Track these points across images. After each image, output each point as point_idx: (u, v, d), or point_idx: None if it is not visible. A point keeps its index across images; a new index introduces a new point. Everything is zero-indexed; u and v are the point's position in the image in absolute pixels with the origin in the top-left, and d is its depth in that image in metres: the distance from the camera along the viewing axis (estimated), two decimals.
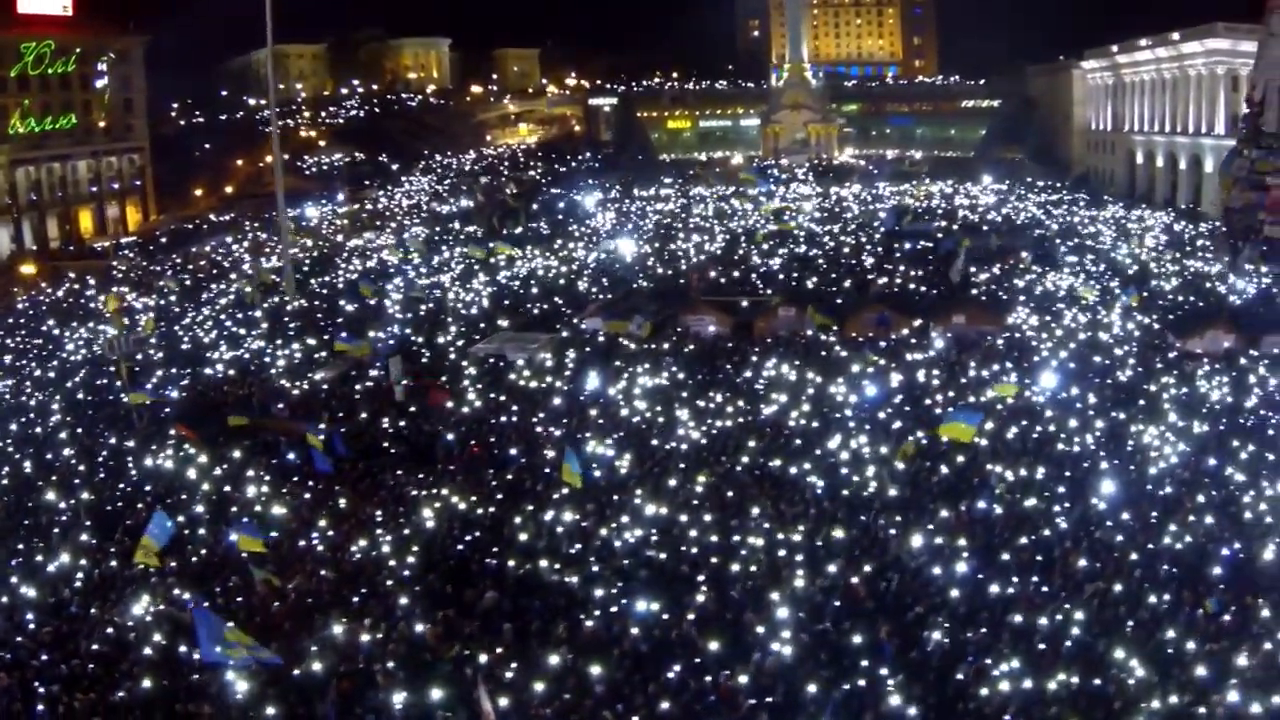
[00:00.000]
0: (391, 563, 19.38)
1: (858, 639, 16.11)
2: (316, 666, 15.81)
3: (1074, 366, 31.33)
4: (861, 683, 15.11)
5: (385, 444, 26.88)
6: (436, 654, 16.27)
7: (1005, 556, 19.11)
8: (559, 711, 14.64)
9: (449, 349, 36.35)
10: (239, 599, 18.68)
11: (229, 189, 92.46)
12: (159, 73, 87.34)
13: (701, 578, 18.39)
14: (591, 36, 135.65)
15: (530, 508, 21.54)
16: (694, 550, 19.50)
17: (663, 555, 19.29)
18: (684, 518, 20.78)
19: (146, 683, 15.73)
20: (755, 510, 21.02)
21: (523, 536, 20.27)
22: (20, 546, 21.57)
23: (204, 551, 20.76)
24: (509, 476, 23.77)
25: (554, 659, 15.64)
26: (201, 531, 21.62)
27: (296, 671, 15.82)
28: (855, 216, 67.84)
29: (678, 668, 15.50)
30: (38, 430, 30.32)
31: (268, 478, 24.33)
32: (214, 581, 19.42)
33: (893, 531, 20.13)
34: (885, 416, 26.87)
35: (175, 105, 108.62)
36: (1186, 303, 40.70)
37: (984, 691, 14.93)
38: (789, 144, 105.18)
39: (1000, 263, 48.28)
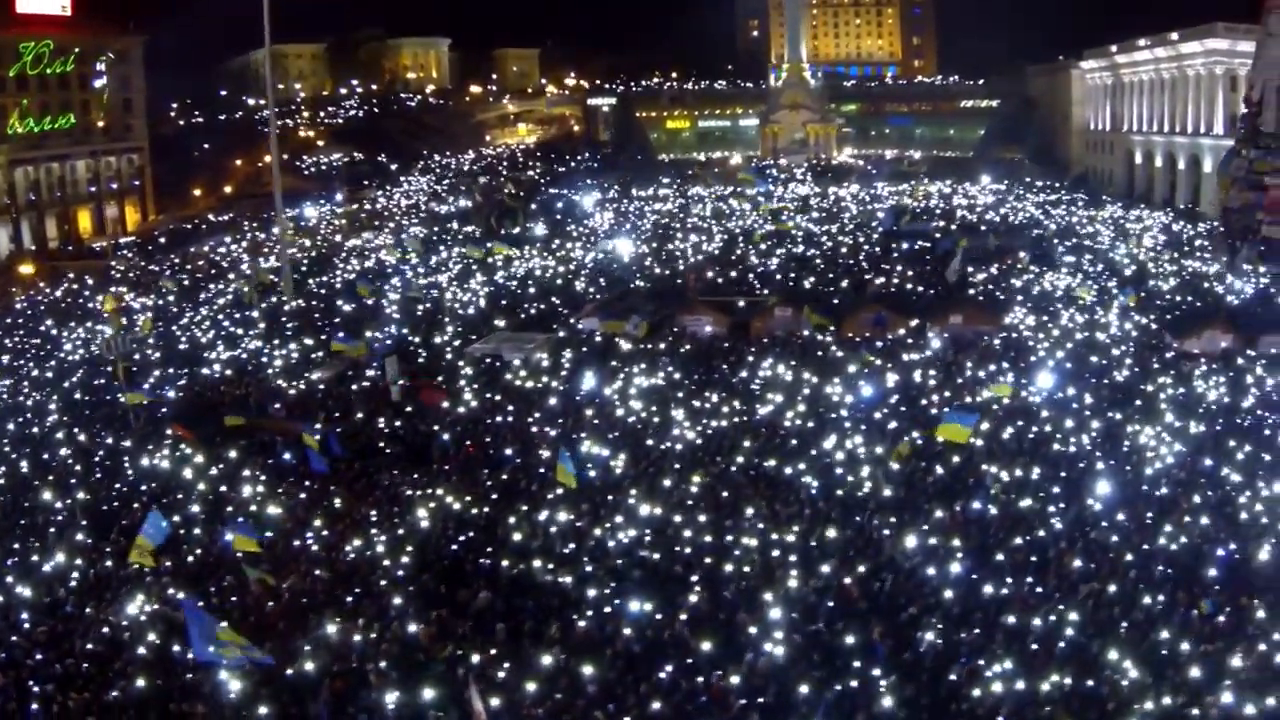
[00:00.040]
0: (386, 563, 19.37)
1: (850, 640, 16.09)
2: (309, 666, 15.81)
3: (1070, 367, 31.30)
4: (854, 684, 15.07)
5: (381, 444, 26.87)
6: (429, 654, 16.27)
7: (1000, 557, 19.06)
8: (551, 712, 14.64)
9: (446, 349, 36.34)
10: (233, 598, 18.68)
11: (228, 189, 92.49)
12: (158, 73, 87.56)
13: (695, 578, 18.37)
14: (591, 36, 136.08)
15: (525, 508, 21.53)
16: (688, 550, 19.48)
17: (656, 555, 19.27)
18: (678, 518, 20.76)
19: (140, 682, 15.73)
20: (750, 510, 21.00)
21: (517, 537, 20.27)
22: (16, 546, 21.54)
23: (199, 551, 20.74)
24: (504, 477, 23.77)
25: (546, 659, 15.63)
26: (197, 531, 21.60)
27: (290, 671, 15.83)
28: (853, 217, 67.85)
29: (670, 668, 15.49)
30: (34, 430, 30.30)
31: (263, 477, 24.33)
32: (209, 581, 19.42)
33: (887, 532, 20.10)
34: (881, 417, 26.85)
35: (174, 105, 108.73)
36: (1184, 303, 40.69)
37: (976, 692, 14.89)
38: (788, 144, 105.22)
39: (998, 263, 48.29)
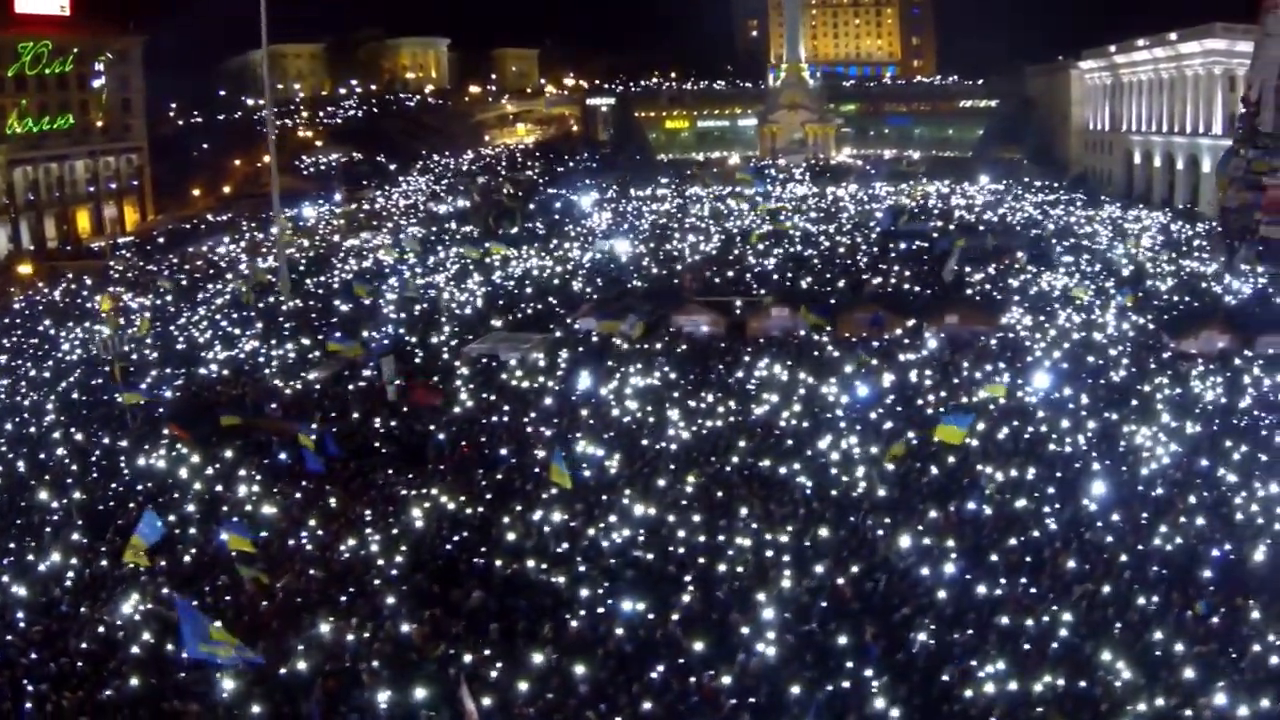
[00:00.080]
0: (380, 562, 19.39)
1: (843, 640, 16.07)
2: (302, 665, 15.82)
3: (1067, 367, 31.30)
4: (846, 684, 15.06)
5: (377, 444, 26.87)
6: (422, 654, 16.28)
7: (994, 558, 19.05)
8: (542, 711, 14.64)
9: (442, 349, 36.33)
10: (227, 598, 18.70)
11: (227, 189, 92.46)
12: (157, 72, 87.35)
13: (688, 578, 18.37)
14: (591, 36, 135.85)
15: (519, 508, 21.53)
16: (681, 550, 19.49)
17: (650, 555, 19.28)
18: (672, 518, 20.75)
19: (134, 681, 15.76)
20: (744, 511, 20.99)
21: (511, 536, 20.27)
22: (12, 545, 21.55)
23: (194, 551, 20.75)
24: (499, 476, 23.76)
25: (538, 658, 15.63)
26: (192, 531, 21.62)
27: (283, 670, 15.83)
28: (851, 217, 67.85)
29: (662, 668, 15.49)
30: (32, 430, 30.30)
31: (259, 477, 24.33)
32: (203, 581, 19.44)
33: (880, 532, 20.09)
34: (877, 417, 26.84)
35: (173, 105, 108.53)
36: (1181, 303, 40.67)
37: (969, 693, 14.90)
38: (786, 144, 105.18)
39: (995, 263, 48.27)
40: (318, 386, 32.80)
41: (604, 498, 21.99)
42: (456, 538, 20.56)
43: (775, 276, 46.75)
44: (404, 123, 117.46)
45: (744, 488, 22.42)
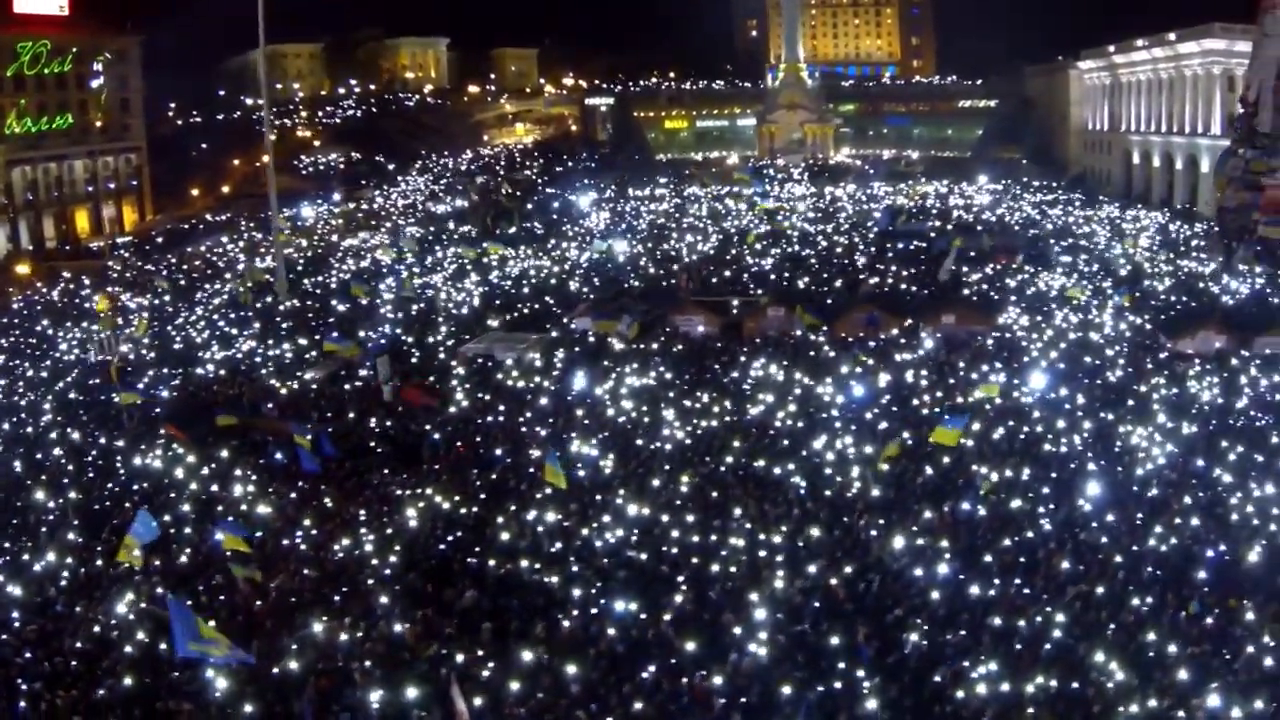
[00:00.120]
0: (373, 562, 19.39)
1: (835, 641, 16.06)
2: (295, 664, 15.83)
3: (1063, 367, 31.28)
4: (837, 685, 15.05)
5: (372, 444, 26.87)
6: (414, 653, 16.28)
7: (988, 558, 19.04)
8: (533, 711, 14.64)
9: (439, 349, 36.33)
10: (221, 597, 18.70)
11: (226, 189, 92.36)
12: (156, 72, 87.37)
13: (681, 578, 18.36)
14: (590, 36, 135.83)
15: (513, 507, 21.52)
16: (675, 551, 19.48)
17: (643, 556, 19.27)
18: (666, 518, 20.74)
19: (128, 680, 15.79)
20: (738, 511, 20.98)
21: (504, 536, 20.27)
22: (8, 545, 21.57)
23: (189, 550, 20.76)
24: (493, 476, 23.76)
25: (528, 657, 15.63)
26: (187, 531, 21.62)
27: (275, 669, 15.84)
28: (849, 216, 67.84)
29: (653, 668, 15.48)
30: (29, 430, 30.31)
31: (255, 477, 24.34)
32: (198, 580, 19.44)
33: (874, 533, 20.08)
34: (872, 417, 26.83)
35: (172, 105, 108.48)
36: (1179, 303, 40.64)
37: (961, 694, 14.88)
38: (785, 144, 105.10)
39: (992, 263, 48.25)
40: (314, 386, 32.81)
41: (598, 498, 21.99)
42: (450, 537, 20.57)
43: (772, 277, 46.72)
44: (403, 122, 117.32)
45: (738, 488, 22.42)
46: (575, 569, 18.74)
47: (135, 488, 24.30)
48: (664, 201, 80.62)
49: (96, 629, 17.67)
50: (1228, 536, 19.76)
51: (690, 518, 20.70)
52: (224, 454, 25.85)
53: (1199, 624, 16.91)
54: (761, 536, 19.73)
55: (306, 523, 21.44)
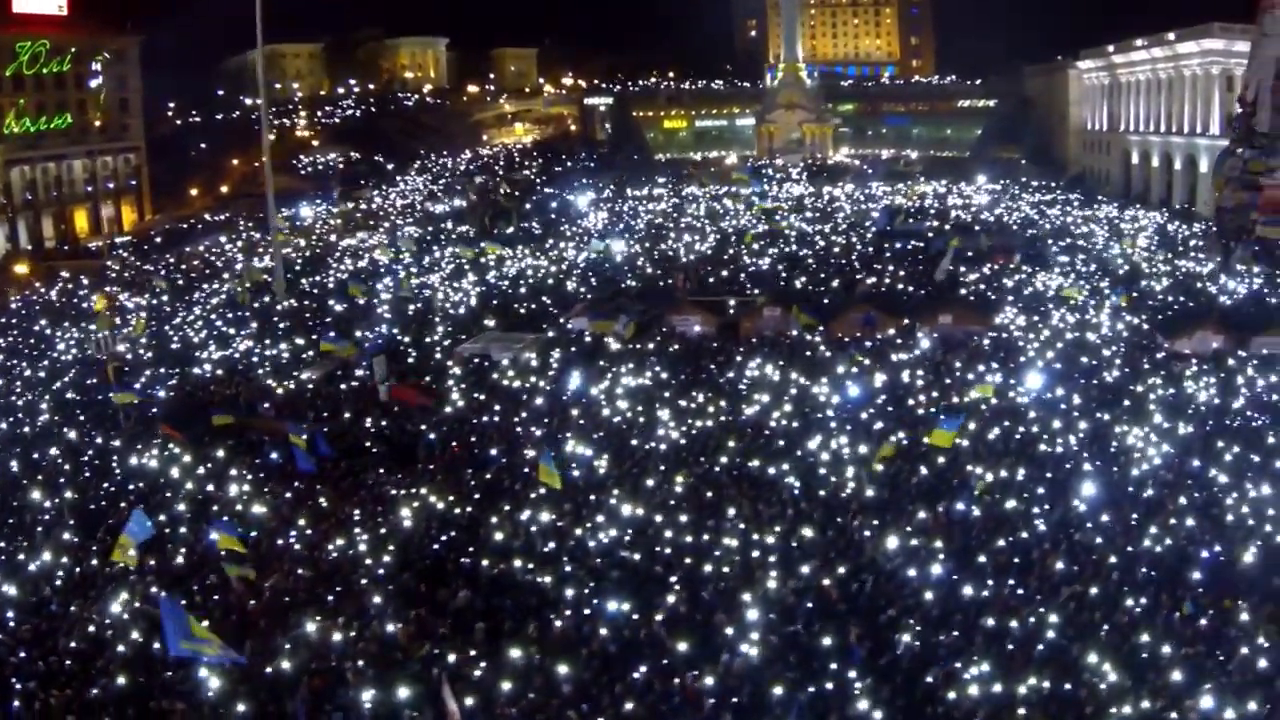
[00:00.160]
0: (368, 562, 19.40)
1: (828, 641, 16.05)
2: (287, 664, 15.84)
3: (1060, 367, 31.25)
4: (829, 685, 15.04)
5: (368, 444, 26.87)
6: (407, 653, 16.29)
7: (982, 559, 19.02)
8: (525, 711, 14.64)
9: (435, 349, 36.33)
10: (216, 597, 18.71)
11: (225, 188, 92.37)
12: (155, 72, 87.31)
13: (674, 578, 18.35)
14: (589, 36, 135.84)
15: (507, 507, 21.52)
16: (668, 551, 19.47)
17: (637, 556, 19.26)
18: (660, 518, 20.74)
19: (121, 680, 15.82)
20: (731, 511, 20.96)
21: (498, 536, 20.27)
22: (3, 545, 21.58)
23: (184, 550, 20.76)
24: (488, 476, 23.75)
25: (519, 655, 15.63)
26: (182, 530, 21.63)
27: (268, 669, 15.85)
28: (848, 216, 67.83)
29: (645, 668, 15.48)
30: (25, 430, 30.31)
31: (250, 477, 24.35)
32: (192, 580, 19.46)
33: (868, 533, 20.06)
34: (867, 417, 26.81)
35: (171, 105, 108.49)
36: (1176, 303, 40.61)
37: (953, 695, 14.87)
38: (784, 144, 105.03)
39: (990, 263, 48.22)
40: (310, 386, 32.80)
41: (592, 498, 21.98)
42: (445, 537, 20.57)
43: (770, 276, 46.69)
44: (402, 122, 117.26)
45: (733, 488, 22.40)
46: (568, 569, 18.74)
47: (131, 487, 24.31)
48: (662, 201, 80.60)
49: (91, 628, 17.69)
50: (1223, 537, 19.74)
51: (684, 518, 20.69)
52: (220, 454, 25.86)
53: (1193, 625, 16.88)
54: (755, 537, 19.72)
55: (301, 522, 21.45)
